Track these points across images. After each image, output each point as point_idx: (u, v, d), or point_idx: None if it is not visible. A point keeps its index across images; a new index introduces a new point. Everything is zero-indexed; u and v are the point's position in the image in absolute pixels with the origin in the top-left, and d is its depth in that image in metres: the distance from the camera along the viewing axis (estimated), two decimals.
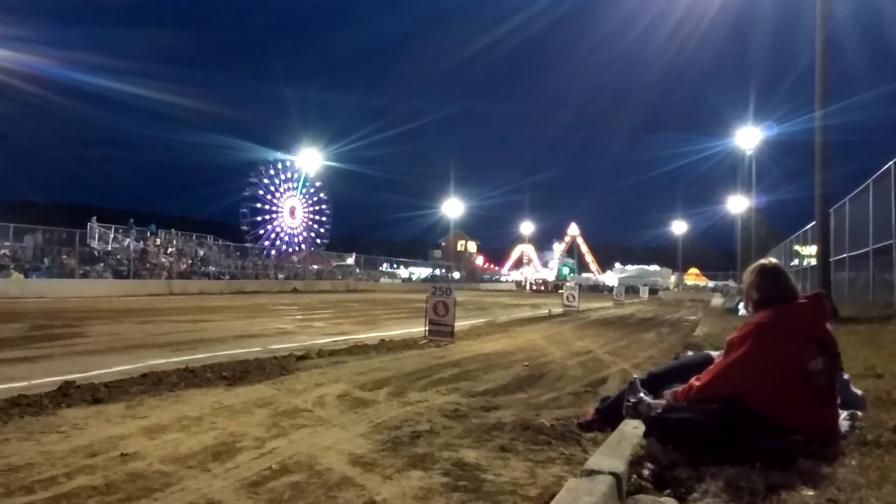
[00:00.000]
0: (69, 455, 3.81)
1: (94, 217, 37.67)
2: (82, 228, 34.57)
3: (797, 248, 29.39)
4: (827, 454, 3.30)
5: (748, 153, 49.29)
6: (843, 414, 3.80)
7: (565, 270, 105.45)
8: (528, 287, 77.38)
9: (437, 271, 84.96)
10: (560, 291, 30.79)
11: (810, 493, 2.82)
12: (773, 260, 4.08)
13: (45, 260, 31.54)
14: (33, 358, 8.57)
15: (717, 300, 39.34)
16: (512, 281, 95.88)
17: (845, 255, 18.72)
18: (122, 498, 3.14)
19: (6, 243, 31.12)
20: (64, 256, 32.20)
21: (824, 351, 3.58)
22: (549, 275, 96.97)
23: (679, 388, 3.82)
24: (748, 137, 48.14)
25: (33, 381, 6.49)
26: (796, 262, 29.63)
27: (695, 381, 3.73)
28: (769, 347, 3.53)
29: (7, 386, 6.19)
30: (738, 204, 60.72)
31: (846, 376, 4.29)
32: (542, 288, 71.98)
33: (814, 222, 17.65)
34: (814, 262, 19.58)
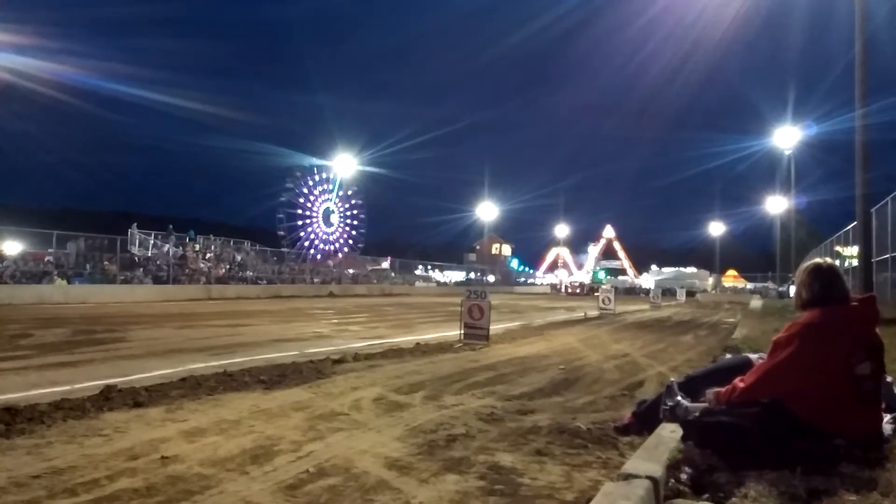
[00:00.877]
0: (111, 458, 3.88)
1: (135, 224, 38.42)
2: (123, 235, 35.26)
3: (838, 248, 28.73)
4: (870, 458, 3.23)
5: (787, 153, 48.54)
6: (887, 417, 3.71)
7: (601, 274, 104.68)
8: (563, 290, 76.98)
9: (472, 275, 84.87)
10: (596, 294, 30.58)
11: (853, 497, 2.76)
12: (829, 260, 4.00)
13: (87, 266, 32.24)
14: (76, 362, 8.76)
15: (755, 302, 38.74)
16: (547, 284, 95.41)
17: (888, 255, 18.27)
18: (162, 500, 3.19)
19: (50, 250, 31.89)
20: (105, 263, 32.85)
21: (872, 355, 3.51)
22: (585, 278, 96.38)
23: (722, 389, 3.77)
24: (787, 137, 47.41)
25: (76, 385, 6.64)
26: (837, 262, 29.01)
27: (739, 382, 3.67)
28: (817, 349, 3.47)
29: (51, 390, 6.34)
30: (777, 204, 59.79)
31: (890, 379, 4.19)
32: (578, 291, 71.63)
33: (855, 222, 17.27)
34: (855, 262, 19.16)
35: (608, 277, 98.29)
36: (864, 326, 3.61)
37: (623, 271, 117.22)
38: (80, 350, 10.12)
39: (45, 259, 31.24)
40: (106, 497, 3.22)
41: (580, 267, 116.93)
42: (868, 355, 3.49)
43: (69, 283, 29.33)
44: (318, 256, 62.50)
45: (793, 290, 4.87)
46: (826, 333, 3.50)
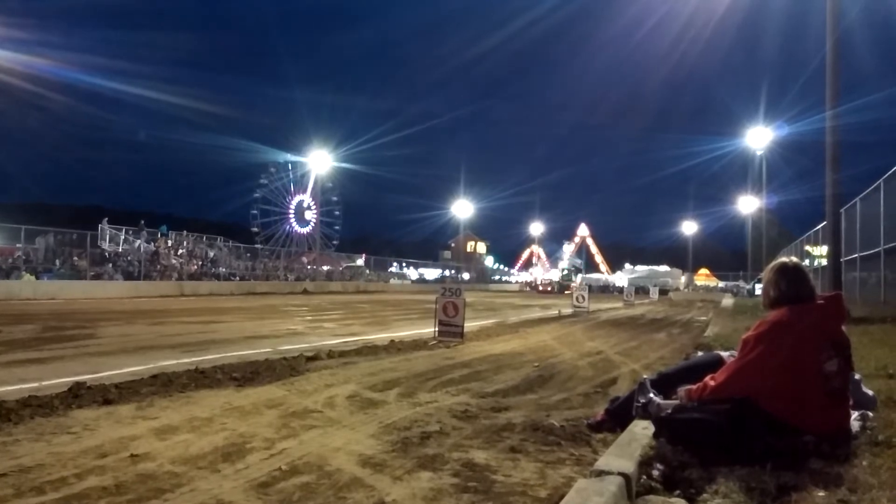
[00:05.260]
0: (80, 456, 3.83)
1: (106, 219, 37.88)
2: (94, 230, 34.75)
3: (808, 248, 29.20)
4: (838, 455, 3.28)
5: (759, 153, 49.26)
6: (855, 414, 3.77)
7: (570, 271, 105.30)
8: (536, 288, 77.24)
9: (447, 272, 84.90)
10: (567, 292, 30.71)
11: (821, 493, 2.80)
12: (795, 259, 4.04)
13: (57, 262, 31.72)
14: (45, 359, 8.62)
15: (727, 300, 39.17)
16: (522, 282, 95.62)
17: (856, 255, 18.59)
18: (132, 499, 3.15)
19: (18, 245, 31.35)
20: (75, 258, 32.37)
21: (839, 352, 3.56)
22: (557, 276, 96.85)
23: (693, 386, 3.80)
24: (759, 137, 48.10)
25: (44, 383, 6.54)
26: (807, 262, 29.47)
27: (710, 381, 3.71)
28: (785, 347, 3.51)
29: (18, 387, 6.23)
30: (748, 204, 60.62)
31: (858, 376, 4.26)
32: (549, 289, 71.93)
33: (825, 222, 17.55)
34: (825, 262, 19.45)
35: (580, 275, 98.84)
36: (830, 324, 3.66)
37: (595, 269, 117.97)
38: (49, 347, 9.96)
39: (15, 254, 30.73)
40: (74, 495, 3.17)
41: (555, 265, 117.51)
42: (835, 352, 3.54)
43: (38, 278, 28.87)
44: (293, 253, 62.17)
45: (759, 288, 4.94)
46: (793, 331, 3.55)
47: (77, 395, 5.54)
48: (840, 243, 17.30)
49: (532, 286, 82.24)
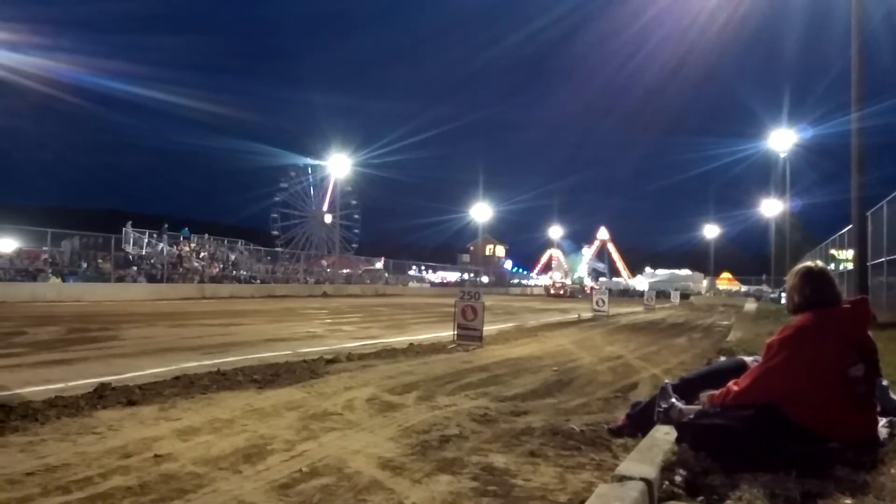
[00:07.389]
0: (104, 456, 3.87)
1: (129, 222, 38.34)
2: (118, 234, 35.16)
3: (833, 252, 28.83)
4: (865, 462, 3.24)
5: (782, 156, 48.77)
6: (882, 421, 3.71)
7: (583, 275, 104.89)
8: (548, 291, 76.93)
9: (466, 276, 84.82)
10: (580, 296, 30.52)
11: (848, 501, 2.77)
12: (820, 263, 4.00)
13: (82, 264, 32.14)
14: (70, 360, 8.72)
15: (750, 305, 38.78)
16: (541, 285, 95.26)
17: (883, 259, 18.32)
18: (155, 498, 3.18)
19: (44, 248, 31.81)
20: (100, 261, 32.78)
21: (865, 357, 3.51)
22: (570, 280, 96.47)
23: (716, 391, 3.77)
24: (782, 140, 47.64)
25: (70, 383, 6.61)
26: (832, 266, 29.13)
27: (733, 385, 3.66)
28: (809, 352, 3.47)
29: (44, 388, 6.31)
30: (772, 207, 60.04)
31: (885, 382, 4.20)
32: (561, 292, 71.67)
33: (850, 226, 17.33)
34: (850, 266, 19.21)
35: (601, 279, 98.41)
36: (855, 329, 3.62)
37: (615, 273, 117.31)
38: (73, 348, 10.08)
39: (42, 257, 31.15)
40: (99, 495, 3.20)
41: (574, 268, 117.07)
42: (861, 358, 3.49)
43: (63, 280, 29.24)
44: (312, 256, 62.48)
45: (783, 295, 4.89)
46: (818, 336, 3.51)
47: (101, 396, 5.61)
48: (866, 247, 17.05)
49: (545, 289, 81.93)
